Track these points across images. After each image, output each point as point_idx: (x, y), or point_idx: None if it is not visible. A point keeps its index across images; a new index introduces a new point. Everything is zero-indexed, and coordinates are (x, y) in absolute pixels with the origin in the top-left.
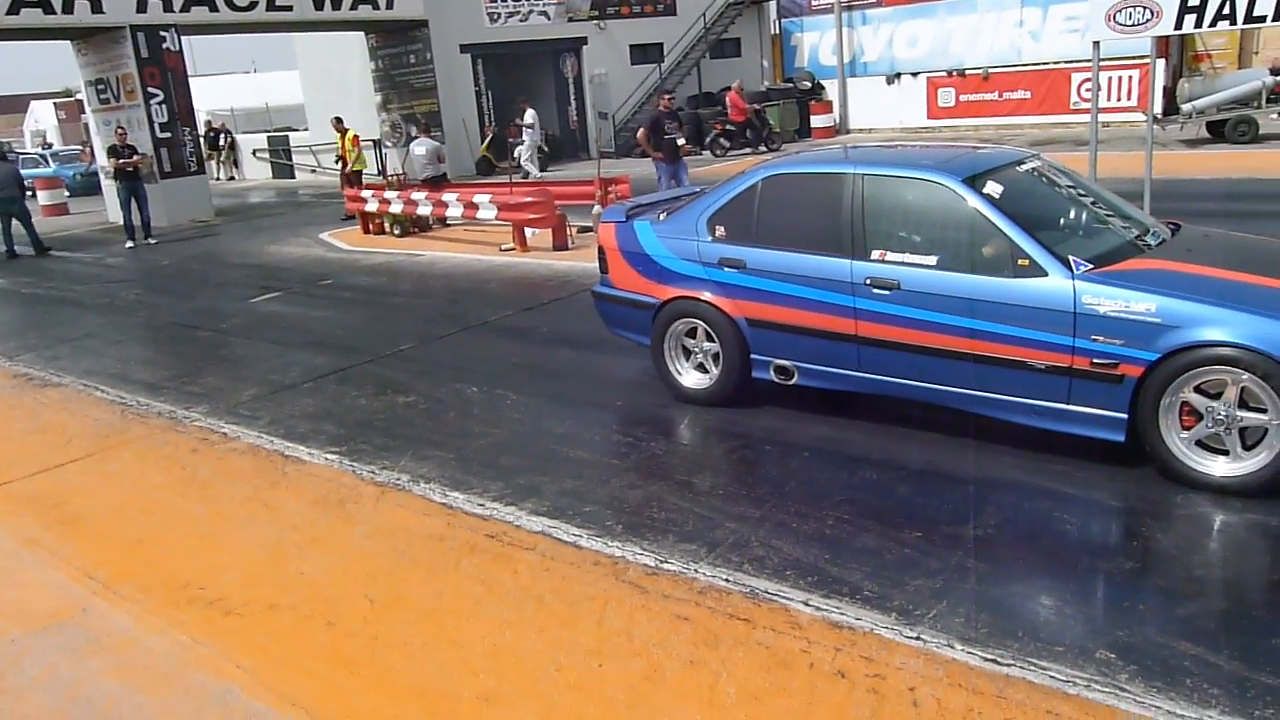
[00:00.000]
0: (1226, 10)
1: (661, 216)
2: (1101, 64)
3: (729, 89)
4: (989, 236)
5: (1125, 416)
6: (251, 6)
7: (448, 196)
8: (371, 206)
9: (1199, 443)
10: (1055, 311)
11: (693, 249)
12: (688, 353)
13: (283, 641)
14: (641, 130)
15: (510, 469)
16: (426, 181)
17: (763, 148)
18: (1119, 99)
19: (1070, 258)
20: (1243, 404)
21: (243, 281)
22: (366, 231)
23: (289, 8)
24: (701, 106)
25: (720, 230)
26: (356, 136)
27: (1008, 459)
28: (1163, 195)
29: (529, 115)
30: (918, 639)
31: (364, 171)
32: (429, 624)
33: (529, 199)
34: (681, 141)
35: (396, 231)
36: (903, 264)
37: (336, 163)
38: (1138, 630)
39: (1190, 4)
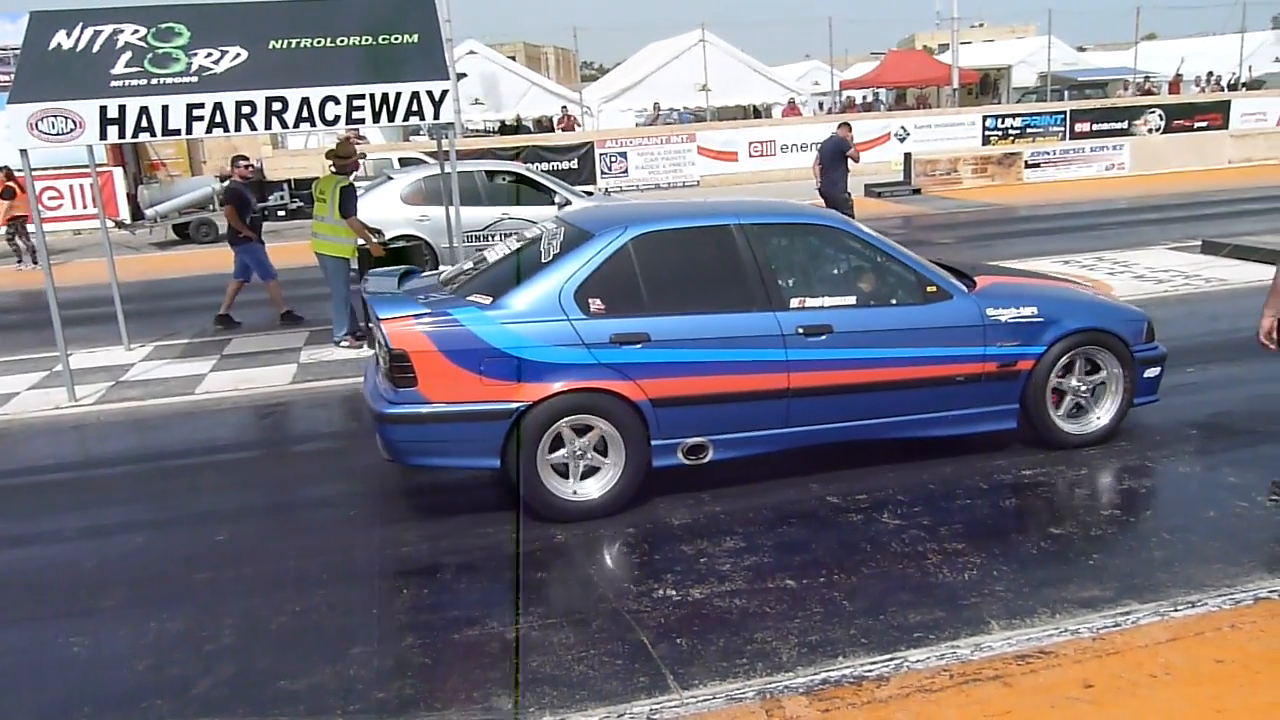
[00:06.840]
0: (145, 124)
1: (480, 299)
2: (61, 171)
3: None
4: (897, 270)
5: (1017, 406)
6: None
7: None
8: None
9: (1067, 414)
10: (970, 327)
11: (568, 332)
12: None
13: None
14: (229, 208)
15: None
16: None
17: None
18: (85, 206)
19: (953, 281)
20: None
21: None
22: None
23: None
24: None
25: (597, 304)
26: None
27: None
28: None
29: None
30: None
31: None
32: None
33: None
34: None
35: None
36: (825, 307)
37: None
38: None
39: (110, 116)
